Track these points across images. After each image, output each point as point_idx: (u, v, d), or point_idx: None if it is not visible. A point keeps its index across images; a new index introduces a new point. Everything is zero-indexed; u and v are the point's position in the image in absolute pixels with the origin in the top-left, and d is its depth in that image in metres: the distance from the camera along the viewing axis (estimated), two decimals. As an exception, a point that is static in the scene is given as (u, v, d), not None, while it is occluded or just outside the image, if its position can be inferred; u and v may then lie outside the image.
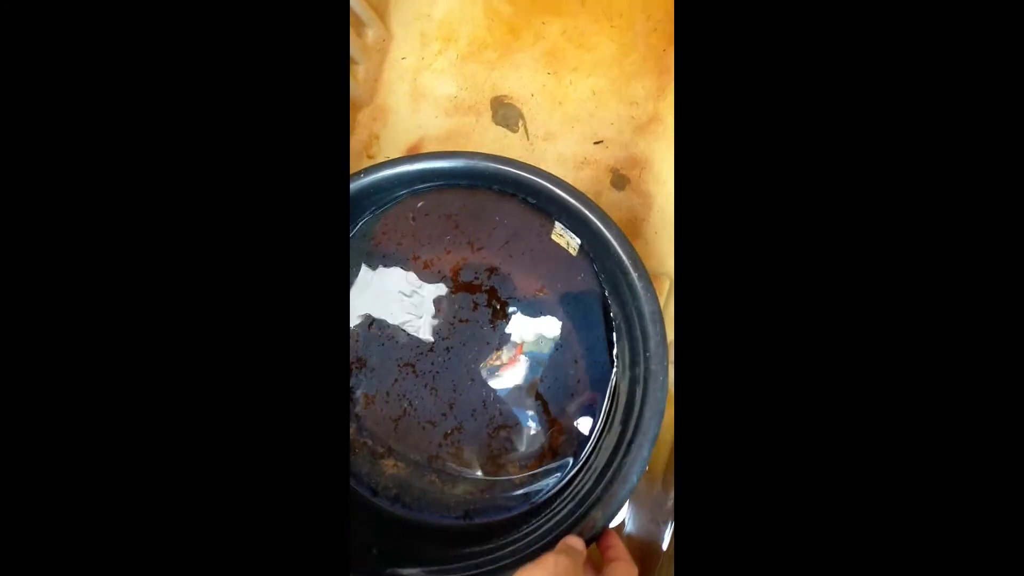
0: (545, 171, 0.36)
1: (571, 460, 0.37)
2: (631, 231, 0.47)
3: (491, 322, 0.39)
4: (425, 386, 0.39)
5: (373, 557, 0.34)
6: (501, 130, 0.50)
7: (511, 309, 0.39)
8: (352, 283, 0.40)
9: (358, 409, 0.39)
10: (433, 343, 0.39)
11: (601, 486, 0.32)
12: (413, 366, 0.39)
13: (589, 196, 0.35)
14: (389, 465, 0.38)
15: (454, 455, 0.38)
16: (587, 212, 0.35)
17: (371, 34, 0.52)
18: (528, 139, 0.49)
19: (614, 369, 0.37)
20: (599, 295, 0.38)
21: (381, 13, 0.52)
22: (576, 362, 0.38)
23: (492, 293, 0.39)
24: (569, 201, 0.35)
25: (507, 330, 0.38)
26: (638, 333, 0.34)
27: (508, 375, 0.38)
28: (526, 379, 0.38)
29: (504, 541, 0.34)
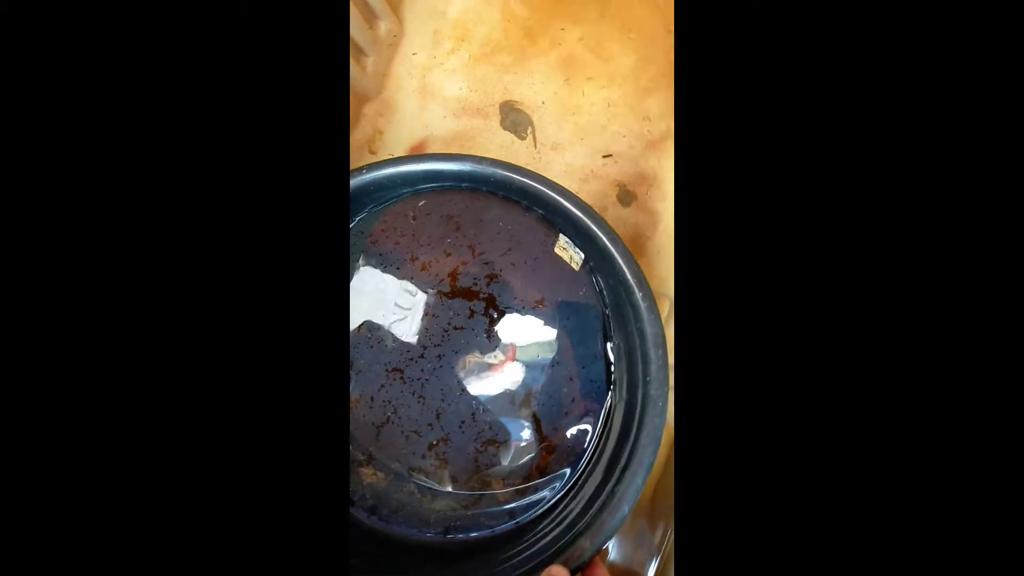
0: (554, 182, 0.35)
1: (560, 482, 0.36)
2: (634, 249, 0.46)
3: (487, 331, 0.37)
4: (412, 393, 0.37)
5: (355, 566, 0.33)
6: (509, 136, 0.49)
7: (508, 320, 0.37)
8: (345, 281, 0.39)
9: (340, 412, 0.37)
10: (424, 349, 0.37)
11: (590, 513, 0.31)
12: (401, 372, 0.37)
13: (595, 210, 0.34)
14: (368, 474, 0.37)
15: (438, 468, 0.36)
16: (594, 227, 0.34)
17: (383, 27, 0.50)
18: (536, 147, 0.48)
19: (610, 390, 0.36)
20: (600, 313, 0.37)
21: (395, 6, 0.51)
22: (572, 380, 0.36)
23: (491, 301, 0.37)
24: (576, 214, 0.34)
25: (503, 341, 0.37)
26: (638, 356, 0.33)
27: (500, 388, 0.37)
28: (519, 394, 0.36)
29: (486, 563, 0.33)
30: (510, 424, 0.36)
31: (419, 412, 0.37)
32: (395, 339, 0.38)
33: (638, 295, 0.33)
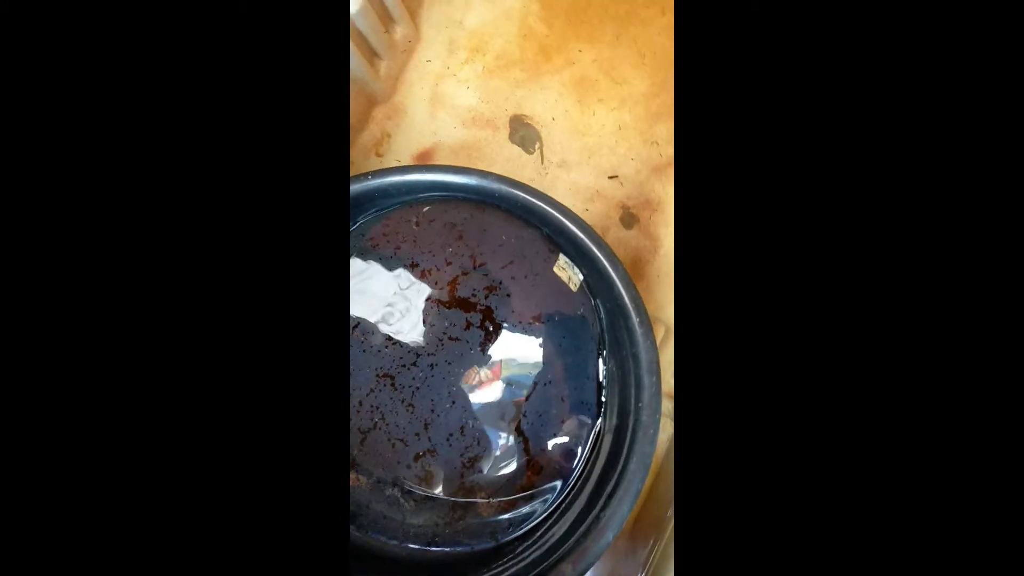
0: (558, 202, 0.35)
1: (543, 503, 0.35)
2: (634, 272, 0.46)
3: (481, 345, 0.37)
4: (402, 401, 0.37)
5: None
6: (516, 150, 0.49)
7: (504, 334, 0.37)
8: (342, 282, 0.38)
9: (327, 415, 0.37)
10: (418, 357, 0.37)
11: (574, 538, 0.30)
12: (392, 378, 0.37)
13: (596, 231, 0.34)
14: (350, 479, 0.36)
15: (422, 479, 0.36)
16: (595, 249, 0.34)
17: (399, 31, 0.50)
18: (542, 163, 0.48)
19: (601, 414, 0.36)
20: (595, 335, 0.37)
21: (412, 12, 0.51)
22: (562, 400, 0.36)
23: (488, 314, 0.37)
24: (578, 235, 0.34)
25: (497, 356, 0.37)
26: (631, 380, 0.33)
27: (491, 404, 0.36)
28: (509, 411, 0.36)
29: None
30: (498, 440, 0.36)
31: (407, 421, 0.36)
32: (390, 344, 0.37)
33: (635, 320, 0.32)
